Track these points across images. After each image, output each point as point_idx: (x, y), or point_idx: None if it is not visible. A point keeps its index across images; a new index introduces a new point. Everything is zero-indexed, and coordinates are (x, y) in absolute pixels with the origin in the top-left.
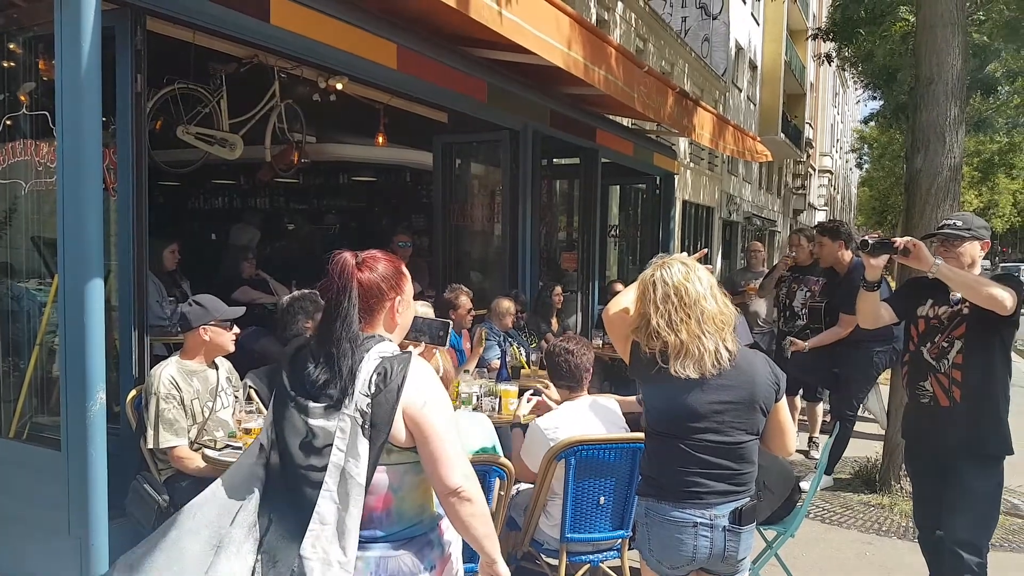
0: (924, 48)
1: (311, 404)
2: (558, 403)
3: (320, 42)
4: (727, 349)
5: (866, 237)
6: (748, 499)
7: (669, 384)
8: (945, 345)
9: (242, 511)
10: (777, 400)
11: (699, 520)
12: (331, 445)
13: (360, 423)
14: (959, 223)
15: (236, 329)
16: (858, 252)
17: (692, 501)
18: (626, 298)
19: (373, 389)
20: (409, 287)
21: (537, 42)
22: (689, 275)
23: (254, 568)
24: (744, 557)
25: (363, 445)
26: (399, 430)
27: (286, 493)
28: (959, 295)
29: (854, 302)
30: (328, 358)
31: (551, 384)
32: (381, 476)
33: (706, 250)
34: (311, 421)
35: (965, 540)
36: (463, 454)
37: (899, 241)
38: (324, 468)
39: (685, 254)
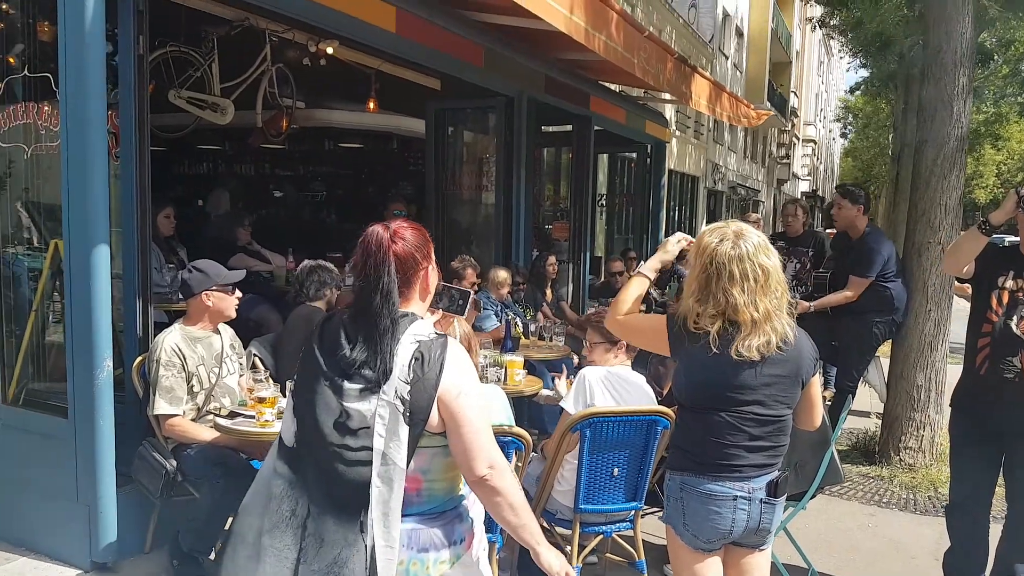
0: (933, 15)
1: (346, 384)
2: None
3: (317, 3)
4: (789, 327)
5: None
6: (779, 472)
7: (721, 359)
8: None
9: (270, 513)
10: (814, 374)
11: (738, 493)
12: (368, 428)
13: (401, 410)
14: None
15: (239, 293)
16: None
17: (731, 474)
18: (630, 295)
19: (412, 376)
20: (433, 253)
21: (540, 5)
22: (769, 249)
23: (298, 557)
24: (773, 528)
25: (404, 431)
26: (433, 416)
27: (319, 472)
28: None
29: (867, 266)
30: (368, 337)
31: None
32: (412, 460)
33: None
34: (346, 403)
35: None
36: (493, 442)
37: None
38: (360, 448)
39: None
